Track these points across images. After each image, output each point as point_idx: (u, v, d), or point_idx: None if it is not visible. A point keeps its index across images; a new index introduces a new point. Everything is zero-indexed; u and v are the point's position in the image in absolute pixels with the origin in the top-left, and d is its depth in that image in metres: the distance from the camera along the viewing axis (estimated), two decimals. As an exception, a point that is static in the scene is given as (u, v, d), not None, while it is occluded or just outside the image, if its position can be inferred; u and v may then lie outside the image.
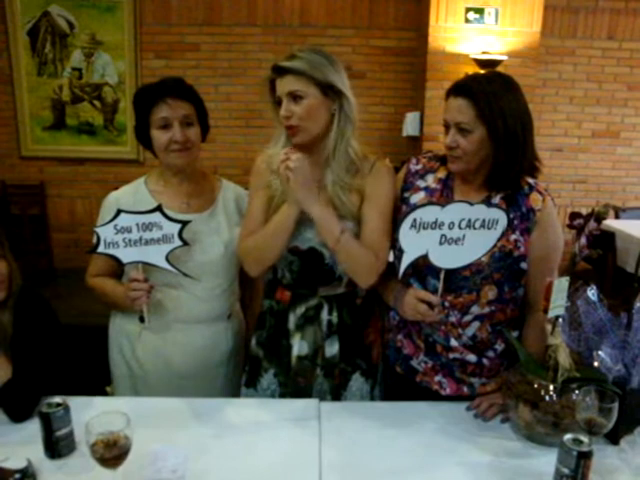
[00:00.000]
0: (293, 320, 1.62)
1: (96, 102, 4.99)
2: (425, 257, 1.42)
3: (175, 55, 4.91)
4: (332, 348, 1.61)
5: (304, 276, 1.59)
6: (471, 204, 1.38)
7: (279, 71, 1.48)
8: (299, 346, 1.61)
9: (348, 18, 4.90)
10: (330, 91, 1.48)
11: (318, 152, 1.53)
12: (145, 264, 1.59)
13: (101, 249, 1.57)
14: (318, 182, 1.52)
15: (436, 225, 1.38)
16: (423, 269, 1.52)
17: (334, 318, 1.61)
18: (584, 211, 1.45)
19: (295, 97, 1.46)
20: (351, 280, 1.57)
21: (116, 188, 1.76)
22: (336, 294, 1.61)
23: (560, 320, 1.43)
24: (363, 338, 1.66)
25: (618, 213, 4.72)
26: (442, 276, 1.44)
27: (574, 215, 1.42)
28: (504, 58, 4.35)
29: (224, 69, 4.97)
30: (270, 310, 1.66)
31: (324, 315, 1.61)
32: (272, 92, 1.52)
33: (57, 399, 1.32)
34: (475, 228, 1.39)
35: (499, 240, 1.41)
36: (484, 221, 1.38)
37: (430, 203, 1.46)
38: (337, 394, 1.64)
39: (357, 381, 1.65)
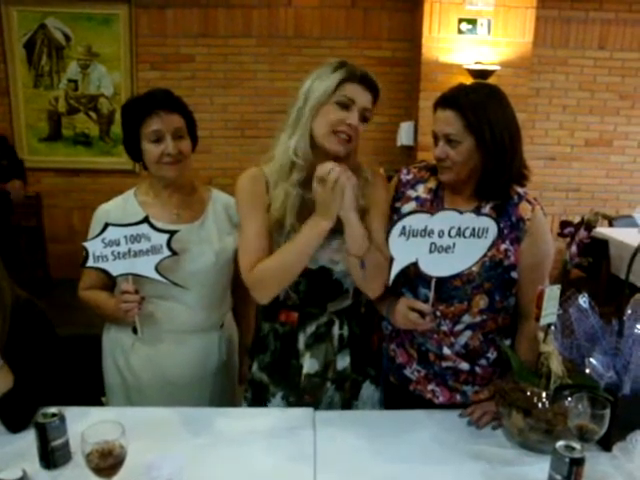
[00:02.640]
0: (303, 340, 1.59)
1: (92, 113, 5.01)
2: (415, 265, 1.42)
3: (170, 66, 4.93)
4: (344, 361, 1.60)
5: (312, 295, 1.57)
6: (460, 212, 1.39)
7: (368, 84, 1.44)
8: (309, 364, 1.58)
9: (342, 29, 4.94)
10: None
11: None
12: (135, 276, 1.60)
13: (90, 263, 1.57)
14: None
15: (425, 233, 1.38)
16: (414, 278, 1.53)
17: (345, 332, 1.60)
18: (578, 219, 1.46)
19: (364, 117, 1.45)
20: (356, 290, 1.57)
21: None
22: (344, 307, 1.60)
23: (552, 328, 1.44)
24: (371, 345, 1.66)
25: (612, 221, 4.75)
26: (433, 285, 1.44)
27: (564, 224, 1.44)
28: (497, 68, 4.39)
29: (219, 80, 4.99)
30: (274, 333, 1.62)
31: (335, 331, 1.59)
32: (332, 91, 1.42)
33: (53, 409, 1.32)
34: (465, 236, 1.39)
35: (490, 249, 1.42)
36: (474, 229, 1.39)
37: (419, 211, 1.47)
38: (348, 405, 1.63)
39: (368, 389, 1.65)
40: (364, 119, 1.45)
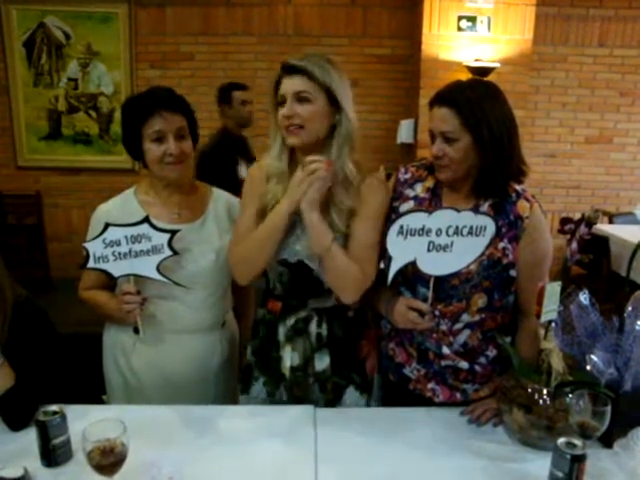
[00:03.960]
0: (283, 331, 1.60)
1: (92, 112, 5.01)
2: (414, 264, 1.42)
3: (170, 65, 4.93)
4: (322, 362, 1.59)
5: (294, 287, 1.58)
6: (458, 211, 1.39)
7: (290, 69, 1.45)
8: (291, 357, 1.59)
9: (342, 27, 4.94)
10: (335, 103, 1.47)
11: None
12: (136, 276, 1.59)
13: (91, 264, 1.56)
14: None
15: (423, 232, 1.38)
16: (413, 278, 1.52)
17: (323, 331, 1.59)
18: (578, 217, 1.46)
19: (301, 99, 1.44)
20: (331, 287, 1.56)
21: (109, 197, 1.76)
22: (326, 307, 1.59)
23: (553, 324, 1.44)
24: (356, 351, 1.64)
25: (612, 218, 4.75)
26: (431, 284, 1.44)
27: (565, 220, 1.44)
28: (497, 65, 4.39)
29: (219, 78, 4.95)
30: (262, 319, 1.66)
31: (313, 328, 1.58)
32: (274, 93, 1.49)
33: (54, 407, 1.33)
34: (463, 235, 1.39)
35: (488, 247, 1.41)
36: (472, 228, 1.38)
37: (417, 210, 1.46)
38: (332, 407, 1.63)
39: (352, 395, 1.63)
40: (303, 100, 1.44)
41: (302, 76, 1.44)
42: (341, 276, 1.48)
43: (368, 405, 1.67)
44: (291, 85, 1.45)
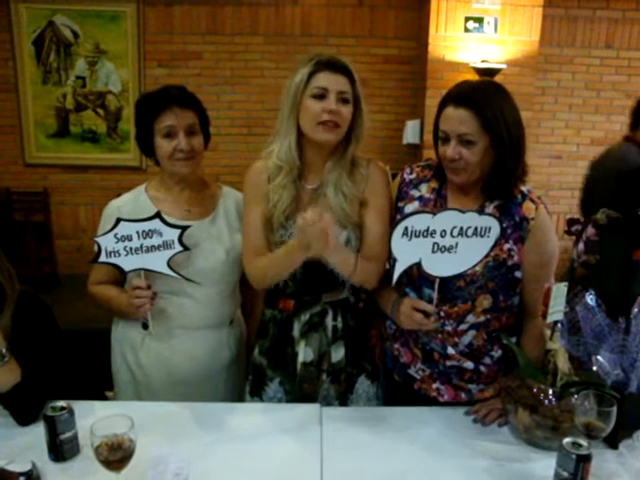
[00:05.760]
0: (297, 327, 1.62)
1: (99, 110, 5.02)
2: (419, 266, 1.42)
3: (178, 64, 4.94)
4: (338, 353, 1.62)
5: (307, 284, 1.59)
6: (462, 212, 1.38)
7: (333, 66, 1.47)
8: (304, 353, 1.61)
9: (349, 27, 4.94)
10: (356, 106, 1.52)
11: (322, 159, 1.56)
12: (147, 271, 1.60)
13: (102, 258, 1.57)
14: (319, 187, 1.56)
15: (428, 233, 1.38)
16: (418, 279, 1.53)
17: (339, 323, 1.61)
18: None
19: (343, 99, 1.47)
20: (354, 284, 1.59)
21: (119, 195, 1.78)
22: (339, 299, 1.62)
23: (559, 325, 1.44)
24: (367, 340, 1.67)
25: (618, 220, 4.74)
26: (436, 285, 1.44)
27: (572, 221, 1.44)
28: (503, 66, 4.38)
29: (226, 78, 5.00)
30: (273, 319, 1.66)
31: (329, 321, 1.61)
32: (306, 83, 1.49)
33: (61, 403, 1.34)
34: (468, 236, 1.38)
35: (493, 248, 1.41)
36: (476, 229, 1.38)
37: (421, 211, 1.46)
38: (344, 398, 1.65)
39: (363, 384, 1.66)
40: (345, 101, 1.48)
41: (345, 77, 1.48)
42: (365, 276, 1.54)
43: (377, 394, 1.69)
44: (337, 83, 1.47)
